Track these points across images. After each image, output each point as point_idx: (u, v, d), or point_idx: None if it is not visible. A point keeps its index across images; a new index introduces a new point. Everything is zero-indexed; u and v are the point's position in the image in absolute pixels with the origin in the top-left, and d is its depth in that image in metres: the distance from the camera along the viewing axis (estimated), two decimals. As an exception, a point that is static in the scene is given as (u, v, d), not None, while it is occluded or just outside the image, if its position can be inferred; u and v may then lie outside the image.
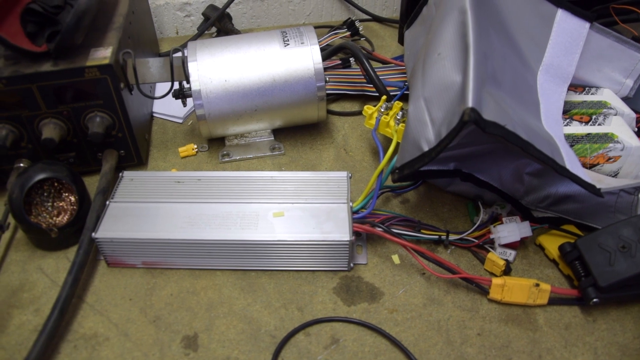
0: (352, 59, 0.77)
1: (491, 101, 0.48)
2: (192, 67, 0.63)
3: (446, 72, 0.52)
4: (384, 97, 0.64)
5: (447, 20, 0.54)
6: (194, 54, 0.63)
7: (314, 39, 0.64)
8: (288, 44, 0.64)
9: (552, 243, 0.56)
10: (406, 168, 0.53)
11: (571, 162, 0.52)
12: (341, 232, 0.53)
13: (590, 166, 0.59)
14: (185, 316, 0.52)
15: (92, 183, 0.64)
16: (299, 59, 0.63)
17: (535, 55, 0.61)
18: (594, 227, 0.57)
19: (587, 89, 0.66)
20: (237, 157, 0.68)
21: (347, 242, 0.52)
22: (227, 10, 0.91)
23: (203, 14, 0.90)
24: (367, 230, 0.55)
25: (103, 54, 0.59)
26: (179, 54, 0.63)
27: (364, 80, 0.75)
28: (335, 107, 0.77)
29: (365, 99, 0.77)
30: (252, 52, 0.64)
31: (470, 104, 0.46)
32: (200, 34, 0.90)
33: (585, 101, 0.64)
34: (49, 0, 0.61)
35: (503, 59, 0.55)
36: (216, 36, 0.93)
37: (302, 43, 0.64)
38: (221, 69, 0.63)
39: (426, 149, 0.51)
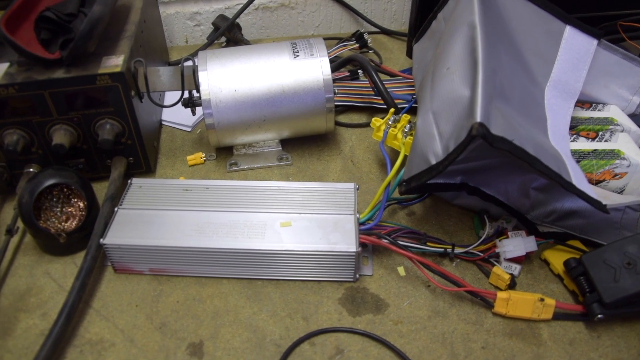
0: (360, 71, 0.78)
1: (499, 116, 0.49)
2: (202, 76, 0.63)
3: (455, 87, 0.52)
4: (392, 109, 0.65)
5: (457, 35, 0.54)
6: (205, 64, 0.64)
7: (323, 51, 0.65)
8: (298, 55, 0.65)
9: (557, 258, 0.56)
10: (413, 181, 0.53)
11: (577, 178, 0.52)
12: (348, 243, 0.53)
13: (596, 182, 0.59)
14: (191, 323, 0.52)
15: (100, 189, 0.64)
16: (309, 70, 0.64)
17: (543, 71, 0.61)
18: (599, 242, 0.57)
19: (593, 105, 0.67)
20: (245, 167, 0.68)
21: (354, 253, 0.53)
22: (237, 20, 0.92)
23: (213, 23, 0.91)
24: (373, 241, 0.55)
25: (115, 62, 0.59)
26: (190, 63, 0.64)
27: (372, 93, 0.75)
28: (343, 118, 0.77)
29: (373, 111, 0.77)
30: (262, 62, 0.64)
31: (478, 118, 0.46)
32: (209, 43, 0.91)
33: (592, 117, 0.64)
34: (63, 8, 0.62)
35: (511, 75, 0.56)
36: (225, 46, 0.94)
37: (311, 55, 0.65)
38: (231, 78, 0.64)
39: (434, 162, 0.52)
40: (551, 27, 0.62)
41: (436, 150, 0.52)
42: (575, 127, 0.63)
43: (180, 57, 0.91)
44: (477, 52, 0.50)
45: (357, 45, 0.85)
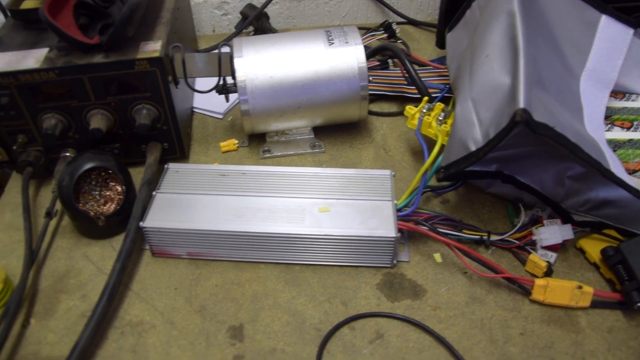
0: (390, 61, 0.78)
1: (540, 103, 0.49)
2: (238, 62, 0.64)
3: (494, 74, 0.52)
4: (426, 98, 0.65)
5: (495, 23, 0.55)
6: (240, 50, 0.64)
7: (357, 39, 0.65)
8: (333, 43, 0.65)
9: (593, 246, 0.56)
10: (452, 167, 0.54)
11: (616, 166, 0.53)
12: (387, 229, 0.53)
13: (632, 172, 0.59)
14: (231, 307, 0.53)
15: (135, 174, 0.64)
16: (344, 58, 0.64)
17: (579, 60, 0.61)
18: (634, 232, 0.57)
19: (627, 95, 0.66)
20: (278, 154, 0.69)
21: (393, 239, 0.53)
22: (265, 9, 0.92)
23: (241, 12, 0.91)
24: (411, 228, 0.55)
25: (153, 47, 0.60)
26: (227, 49, 0.64)
27: (402, 82, 0.76)
28: (374, 107, 0.77)
29: (403, 100, 0.78)
30: (298, 50, 0.65)
31: (522, 104, 0.47)
32: (238, 32, 0.91)
33: (625, 107, 0.64)
34: (100, -6, 0.62)
35: (549, 64, 0.56)
36: (254, 35, 0.94)
37: (346, 42, 0.65)
38: (267, 65, 0.64)
39: (473, 148, 0.52)
40: (587, 16, 0.62)
41: (476, 137, 0.52)
42: (610, 117, 0.63)
43: (208, 45, 0.92)
44: (517, 40, 0.51)
45: (385, 35, 0.85)
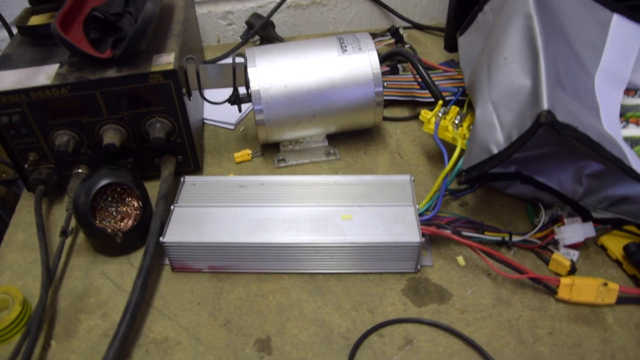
0: (400, 66, 0.78)
1: (561, 104, 0.49)
2: (252, 72, 0.63)
3: (513, 77, 0.52)
4: (440, 101, 0.65)
5: (512, 25, 0.55)
6: (253, 60, 0.64)
7: (371, 45, 0.65)
8: (346, 50, 0.65)
9: (614, 243, 0.56)
10: (474, 170, 0.54)
11: (636, 163, 0.53)
12: (411, 234, 0.53)
13: (650, 168, 0.59)
14: (256, 320, 0.52)
15: (148, 189, 0.64)
16: (358, 64, 0.64)
17: (592, 59, 0.61)
18: (654, 228, 0.57)
19: (638, 92, 0.67)
20: (294, 162, 0.68)
21: (417, 244, 0.53)
22: (270, 18, 0.92)
23: (246, 22, 0.90)
24: (434, 232, 0.55)
25: (166, 60, 0.59)
26: (241, 60, 0.64)
27: (413, 86, 0.76)
28: (386, 112, 0.77)
29: (415, 105, 0.78)
30: (311, 58, 0.64)
31: (545, 106, 0.47)
32: (244, 42, 0.91)
33: (639, 104, 0.64)
34: (109, 8, 0.62)
35: (566, 64, 0.56)
36: (260, 44, 0.94)
37: (359, 49, 0.65)
38: (281, 74, 0.64)
39: (495, 151, 0.52)
40: (599, 15, 0.62)
41: (498, 140, 0.52)
42: (624, 115, 0.63)
43: (214, 56, 0.91)
44: (536, 42, 0.51)
45: (392, 40, 0.85)
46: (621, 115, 0.63)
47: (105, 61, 0.59)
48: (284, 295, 0.54)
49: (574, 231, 0.55)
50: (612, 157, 0.49)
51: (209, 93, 0.65)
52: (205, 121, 0.77)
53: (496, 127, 0.53)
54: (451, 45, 0.78)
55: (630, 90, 0.67)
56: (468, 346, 0.49)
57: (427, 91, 0.74)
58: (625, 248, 0.54)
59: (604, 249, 0.57)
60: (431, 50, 0.94)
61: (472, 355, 0.49)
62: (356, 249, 0.53)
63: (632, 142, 0.59)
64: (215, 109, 0.68)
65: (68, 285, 0.57)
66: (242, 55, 0.64)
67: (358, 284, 0.55)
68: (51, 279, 0.54)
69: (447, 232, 0.55)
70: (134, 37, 0.56)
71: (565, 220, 0.56)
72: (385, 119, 0.74)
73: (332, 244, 0.53)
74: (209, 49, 0.95)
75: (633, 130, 0.61)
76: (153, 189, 0.62)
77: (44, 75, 0.58)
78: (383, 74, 0.78)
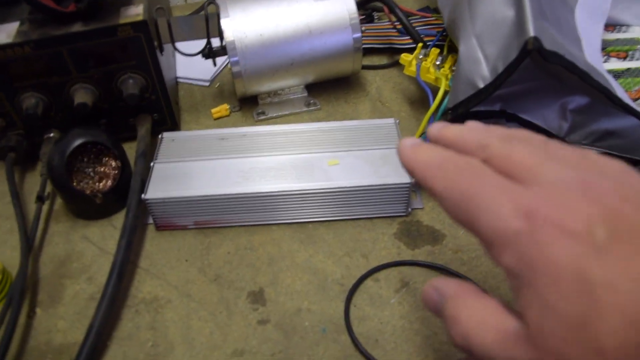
0: (375, 14, 0.76)
1: (546, 34, 0.48)
2: (225, 23, 0.61)
3: (496, 8, 0.51)
4: (420, 44, 0.63)
5: (491, -44, 0.53)
6: (226, 10, 0.61)
7: (346, -10, 0.63)
8: (322, -5, 0.63)
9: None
10: (461, 107, 0.53)
11: (621, 93, 0.52)
12: (400, 175, 0.52)
13: (633, 100, 0.59)
14: (247, 272, 0.51)
15: (126, 149, 0.61)
16: (334, 10, 0.62)
17: (571, -9, 0.61)
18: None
19: (617, 27, 0.67)
20: (274, 115, 0.66)
21: (408, 184, 0.52)
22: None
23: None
24: (423, 173, 0.54)
25: (135, 11, 0.56)
26: (213, 9, 0.61)
27: (391, 34, 0.74)
28: (364, 61, 0.75)
29: (393, 52, 0.76)
30: (285, 5, 0.62)
31: (532, 33, 0.46)
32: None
33: (618, 39, 0.64)
34: (70, -39, 0.58)
35: (546, -6, 0.55)
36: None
37: (335, -6, 0.63)
38: (255, 23, 0.61)
39: (482, 85, 0.51)
40: (576, -54, 0.61)
41: (483, 74, 0.51)
42: (605, 49, 0.63)
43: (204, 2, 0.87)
44: (517, -30, 0.50)
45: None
46: (602, 49, 0.63)
47: (69, 15, 0.55)
48: (274, 246, 0.53)
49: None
50: (599, 85, 0.49)
51: (180, 47, 0.63)
52: (179, 80, 0.74)
53: (481, 61, 0.51)
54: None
55: (609, 26, 0.67)
56: (464, 284, 0.49)
57: (405, 37, 0.73)
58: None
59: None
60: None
61: (469, 293, 0.48)
62: (345, 194, 0.52)
63: (615, 74, 0.59)
64: (189, 66, 0.65)
65: (49, 252, 0.54)
66: (214, 3, 0.61)
67: (349, 231, 0.54)
68: (30, 246, 0.52)
69: (437, 172, 0.54)
70: (98, -14, 0.53)
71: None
72: (364, 67, 0.72)
73: (320, 190, 0.52)
74: (176, 9, 0.91)
75: (615, 64, 0.61)
76: (130, 149, 0.60)
77: (4, 33, 0.55)
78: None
